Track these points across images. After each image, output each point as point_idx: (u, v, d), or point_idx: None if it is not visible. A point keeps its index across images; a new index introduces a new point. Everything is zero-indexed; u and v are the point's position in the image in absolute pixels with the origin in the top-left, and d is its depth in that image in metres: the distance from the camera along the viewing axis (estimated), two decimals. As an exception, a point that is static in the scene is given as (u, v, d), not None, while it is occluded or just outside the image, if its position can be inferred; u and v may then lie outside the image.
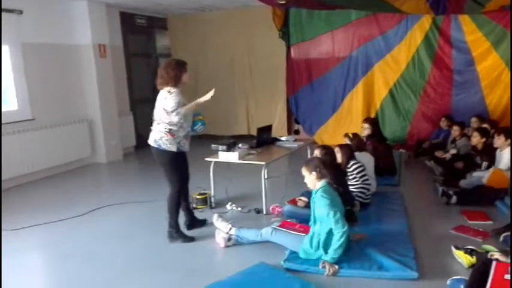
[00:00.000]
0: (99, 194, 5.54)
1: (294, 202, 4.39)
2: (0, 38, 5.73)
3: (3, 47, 5.94)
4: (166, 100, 3.64)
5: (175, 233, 3.86)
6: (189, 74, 3.87)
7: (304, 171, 3.43)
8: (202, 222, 4.20)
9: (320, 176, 3.36)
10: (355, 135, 5.10)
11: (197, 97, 10.01)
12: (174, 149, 3.71)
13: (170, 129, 3.67)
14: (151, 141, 3.77)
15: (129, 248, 3.75)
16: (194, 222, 4.16)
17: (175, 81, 3.69)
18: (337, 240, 3.18)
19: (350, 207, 3.35)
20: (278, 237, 3.53)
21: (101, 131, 7.17)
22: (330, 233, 3.24)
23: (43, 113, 6.37)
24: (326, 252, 3.23)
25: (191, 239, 3.85)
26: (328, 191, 3.30)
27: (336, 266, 3.15)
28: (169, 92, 3.66)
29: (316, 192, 3.35)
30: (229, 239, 3.72)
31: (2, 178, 5.71)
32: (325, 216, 3.21)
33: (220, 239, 3.73)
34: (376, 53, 7.76)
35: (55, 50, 6.60)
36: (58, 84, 6.70)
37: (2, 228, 4.33)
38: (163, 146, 3.70)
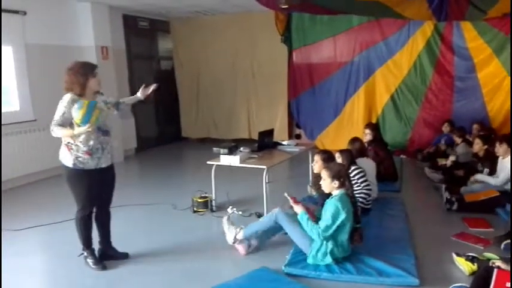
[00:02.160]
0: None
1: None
2: (0, 38, 5.65)
3: (6, 47, 5.96)
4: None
5: (85, 256, 3.48)
6: (99, 79, 3.28)
7: (325, 176, 3.33)
8: (123, 256, 3.60)
9: (340, 186, 3.31)
10: (357, 139, 5.11)
11: (199, 101, 9.93)
12: (69, 164, 3.20)
13: (68, 142, 3.20)
14: None
15: (128, 249, 3.72)
16: (110, 255, 3.58)
17: (80, 88, 3.18)
18: (310, 229, 3.22)
19: (359, 225, 3.37)
20: (290, 226, 3.42)
21: (102, 133, 7.16)
22: (335, 239, 3.25)
23: (45, 114, 6.31)
24: (333, 259, 3.23)
25: (102, 267, 3.41)
26: (344, 200, 3.26)
27: (298, 208, 3.33)
28: (61, 100, 3.18)
29: (331, 198, 3.32)
30: (249, 246, 3.60)
31: (4, 179, 5.72)
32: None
33: (241, 247, 3.61)
34: (378, 59, 7.78)
35: (58, 51, 6.61)
36: (60, 86, 6.67)
37: (4, 229, 4.34)
38: (62, 161, 3.26)
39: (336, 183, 3.29)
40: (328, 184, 3.33)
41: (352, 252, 3.38)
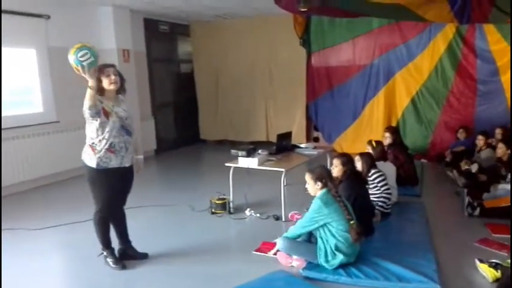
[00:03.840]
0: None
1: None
2: (0, 40, 5.61)
3: (30, 50, 6.12)
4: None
5: (105, 255, 3.54)
6: (111, 78, 3.31)
7: (309, 179, 3.42)
8: (142, 256, 3.66)
9: (323, 187, 3.37)
10: (379, 143, 5.05)
11: (218, 104, 9.92)
12: (93, 164, 3.26)
13: (92, 143, 3.26)
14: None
15: (147, 250, 3.73)
16: (129, 254, 3.63)
17: (98, 91, 3.25)
18: (294, 231, 3.39)
19: (363, 220, 3.35)
20: (293, 250, 3.44)
21: (123, 135, 7.27)
22: (332, 234, 3.24)
23: (67, 116, 6.48)
24: (345, 255, 3.21)
25: (122, 266, 3.48)
26: (326, 197, 3.31)
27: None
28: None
29: (315, 198, 3.38)
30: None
31: (27, 178, 5.89)
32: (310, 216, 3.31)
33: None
34: (398, 62, 7.69)
35: (80, 54, 6.73)
36: (82, 88, 6.76)
37: (24, 228, 4.44)
38: (85, 161, 3.33)
39: (319, 184, 3.36)
40: (312, 187, 3.41)
41: (371, 256, 3.34)
